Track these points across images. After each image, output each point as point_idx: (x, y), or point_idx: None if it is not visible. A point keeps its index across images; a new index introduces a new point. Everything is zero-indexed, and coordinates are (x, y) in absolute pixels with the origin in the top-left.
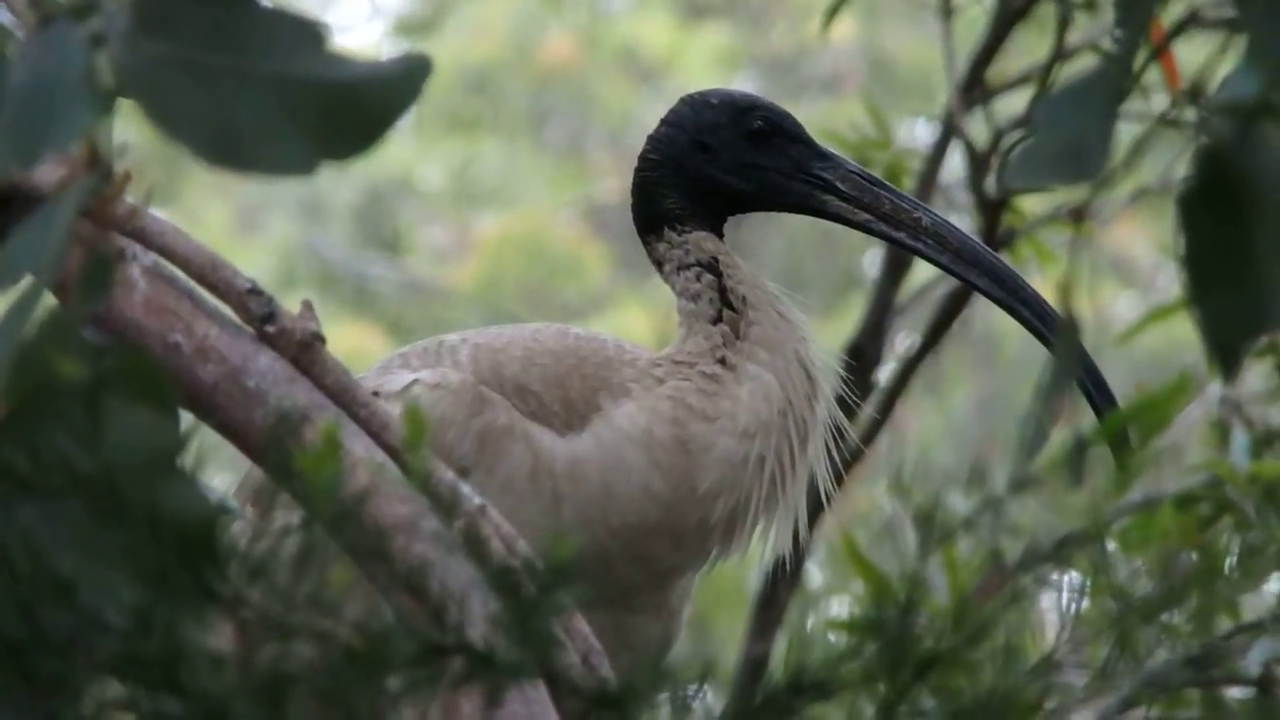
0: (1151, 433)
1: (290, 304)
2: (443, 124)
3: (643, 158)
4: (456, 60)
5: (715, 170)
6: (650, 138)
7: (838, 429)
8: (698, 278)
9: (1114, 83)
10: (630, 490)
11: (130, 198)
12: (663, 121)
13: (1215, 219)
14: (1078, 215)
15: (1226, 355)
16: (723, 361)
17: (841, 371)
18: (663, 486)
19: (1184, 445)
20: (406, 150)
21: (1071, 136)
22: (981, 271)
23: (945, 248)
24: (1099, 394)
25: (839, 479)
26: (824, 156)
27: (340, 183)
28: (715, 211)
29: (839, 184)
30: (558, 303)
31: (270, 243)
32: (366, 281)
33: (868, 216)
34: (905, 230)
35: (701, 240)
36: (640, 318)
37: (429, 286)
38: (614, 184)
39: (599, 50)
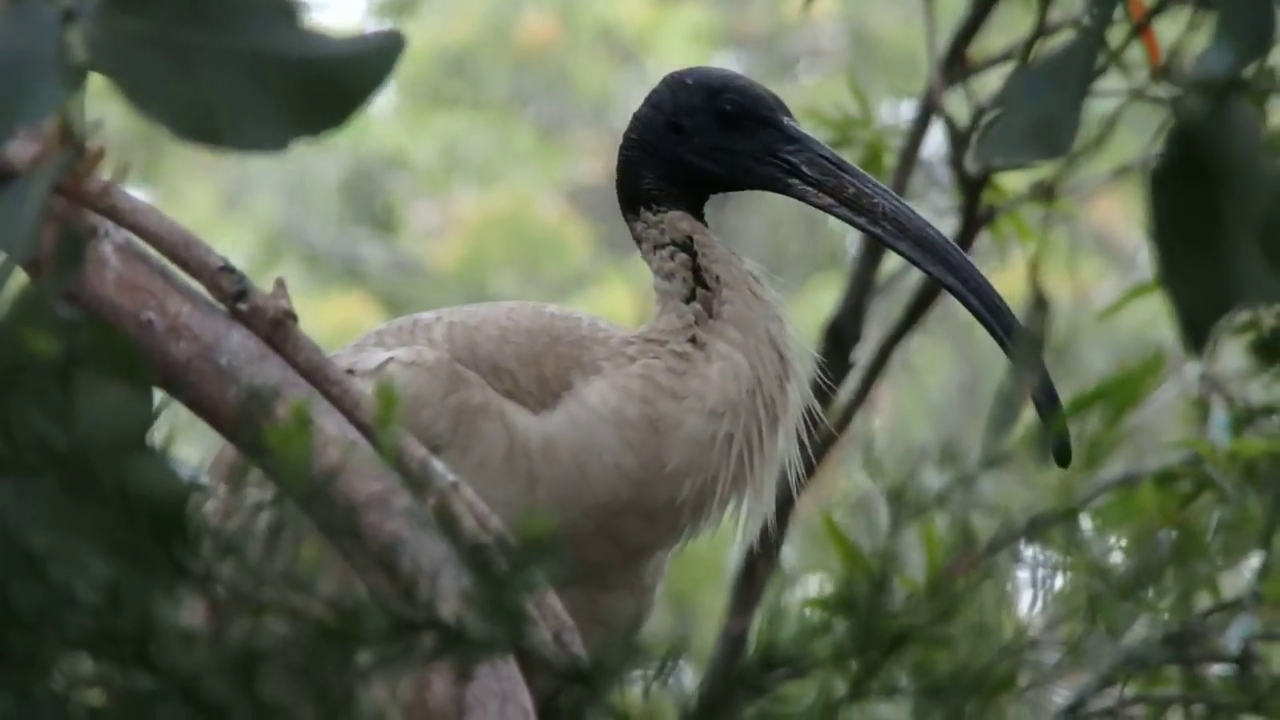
0: (1124, 409)
1: (270, 283)
2: (425, 103)
3: (625, 137)
4: (436, 41)
5: (687, 152)
6: (633, 116)
7: (809, 410)
8: (671, 256)
9: (1084, 61)
10: (602, 468)
11: (104, 174)
12: (645, 101)
13: (1186, 196)
14: (1048, 192)
15: (1196, 332)
16: (694, 340)
17: (815, 352)
18: (633, 465)
19: (1163, 423)
20: (390, 129)
21: (1042, 114)
22: (937, 259)
23: (904, 234)
24: (1044, 394)
25: (813, 458)
26: (792, 139)
27: (325, 160)
28: (692, 192)
29: (804, 168)
30: (541, 281)
31: (255, 221)
32: (351, 261)
33: (830, 200)
34: (866, 215)
35: (676, 220)
36: (623, 296)
37: (414, 265)
38: (595, 163)
39: (578, 30)
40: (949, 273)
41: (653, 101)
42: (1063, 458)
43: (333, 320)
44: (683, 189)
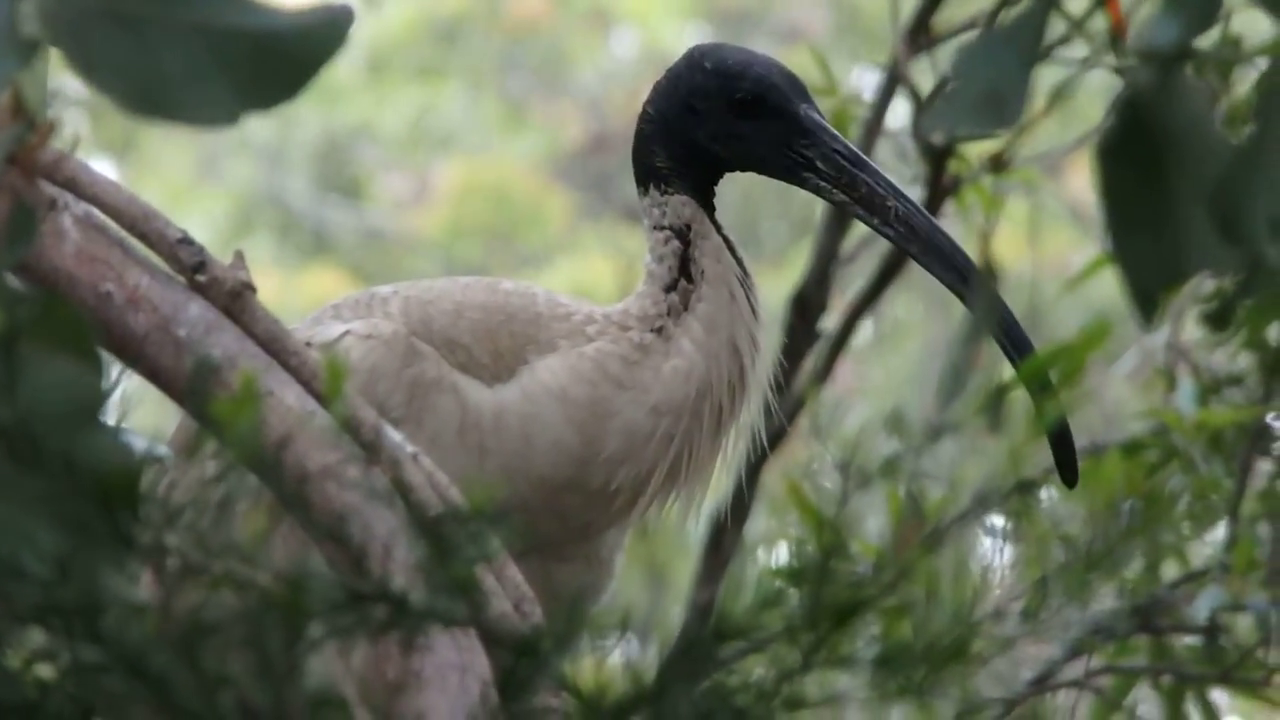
0: (1069, 379)
1: (252, 251)
2: (407, 71)
3: (643, 107)
4: (426, 13)
5: (700, 135)
6: (654, 86)
7: (760, 427)
8: (665, 241)
9: (1034, 31)
10: (546, 444)
11: (56, 147)
12: (666, 72)
13: (1134, 166)
14: (998, 162)
15: (1146, 302)
16: (660, 330)
17: (777, 368)
18: (574, 444)
19: (1129, 392)
20: (368, 97)
21: (990, 84)
22: (946, 266)
23: (914, 237)
24: (1015, 345)
25: (782, 426)
26: (806, 132)
27: (301, 128)
28: (702, 173)
29: (819, 163)
30: (520, 251)
31: (230, 190)
32: (327, 228)
33: (845, 198)
34: (879, 216)
35: (680, 205)
36: (601, 265)
37: (391, 234)
38: (575, 133)
39: (565, 3)
40: (958, 280)
41: (671, 76)
42: (1043, 395)
43: (310, 292)
44: (693, 169)
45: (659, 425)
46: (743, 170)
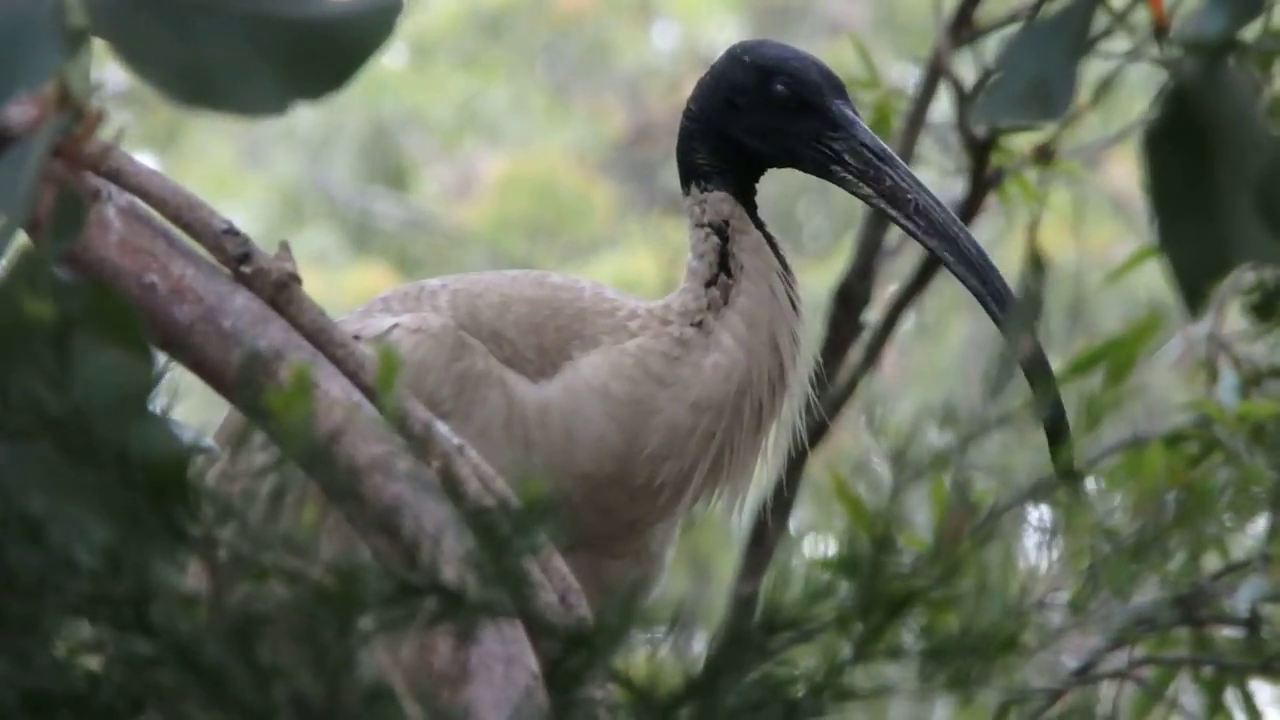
0: (1123, 370)
1: (295, 242)
2: (452, 62)
3: (686, 105)
4: (471, 4)
5: (738, 130)
6: (696, 85)
7: (801, 422)
8: (705, 238)
9: (1081, 22)
10: (588, 440)
11: (103, 137)
12: (709, 70)
13: (1180, 158)
14: (1046, 154)
15: (1193, 294)
16: (700, 324)
17: (818, 362)
18: (616, 440)
19: (1171, 384)
20: (413, 87)
21: (1037, 75)
22: (961, 260)
23: (933, 231)
24: (1038, 370)
25: (824, 419)
26: (837, 126)
27: (347, 118)
28: (743, 169)
29: (847, 156)
30: (565, 244)
31: (274, 180)
32: (372, 219)
33: (869, 191)
34: (901, 210)
35: (719, 201)
36: (646, 259)
37: (436, 225)
38: (618, 124)
39: None
40: (974, 275)
41: (715, 73)
42: (1057, 436)
43: (358, 285)
44: (734, 166)
45: (700, 422)
46: (778, 165)
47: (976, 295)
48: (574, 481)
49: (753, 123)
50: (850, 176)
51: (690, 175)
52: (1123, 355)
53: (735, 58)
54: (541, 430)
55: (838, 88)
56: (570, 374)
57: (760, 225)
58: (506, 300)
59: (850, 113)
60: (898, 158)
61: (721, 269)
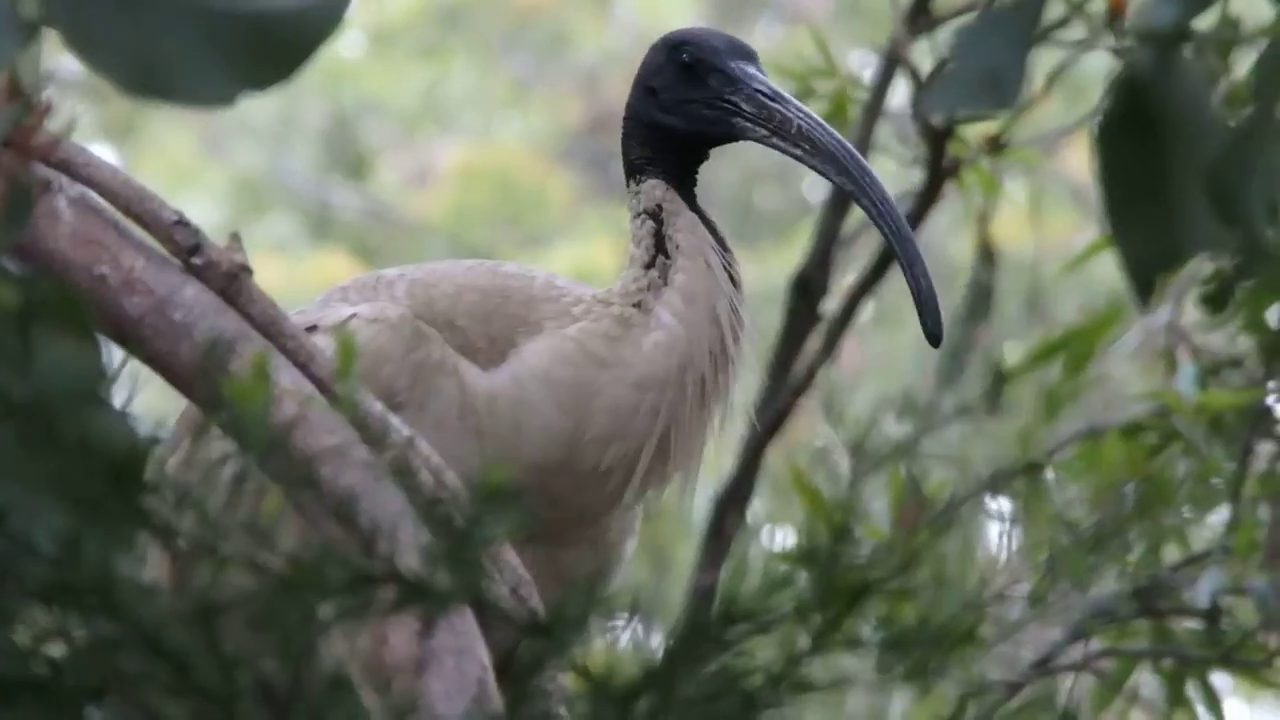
0: (1083, 361)
1: (255, 231)
2: (411, 51)
3: (625, 107)
4: None
5: (658, 113)
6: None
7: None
8: (642, 224)
9: (1032, 12)
10: (534, 427)
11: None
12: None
13: (1132, 148)
14: (995, 144)
15: (1144, 284)
16: (640, 305)
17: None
18: (561, 426)
19: (1129, 374)
20: (372, 75)
21: (988, 65)
22: (840, 171)
23: (815, 151)
24: (930, 318)
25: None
26: (735, 80)
27: (307, 108)
28: (673, 154)
29: (744, 104)
30: (523, 234)
31: (234, 169)
32: (331, 209)
33: (764, 132)
34: (788, 140)
35: (651, 188)
36: (605, 248)
37: (395, 214)
38: (576, 113)
39: None
40: (852, 183)
41: (640, 69)
42: (934, 336)
43: (317, 274)
44: (662, 154)
45: (643, 400)
46: (694, 139)
47: (859, 203)
48: (524, 470)
49: (667, 100)
50: (748, 124)
51: (630, 172)
52: (1082, 346)
53: (653, 46)
54: (490, 419)
55: (740, 51)
56: (515, 362)
57: (695, 206)
58: (460, 289)
59: (750, 68)
60: (790, 97)
61: (659, 251)
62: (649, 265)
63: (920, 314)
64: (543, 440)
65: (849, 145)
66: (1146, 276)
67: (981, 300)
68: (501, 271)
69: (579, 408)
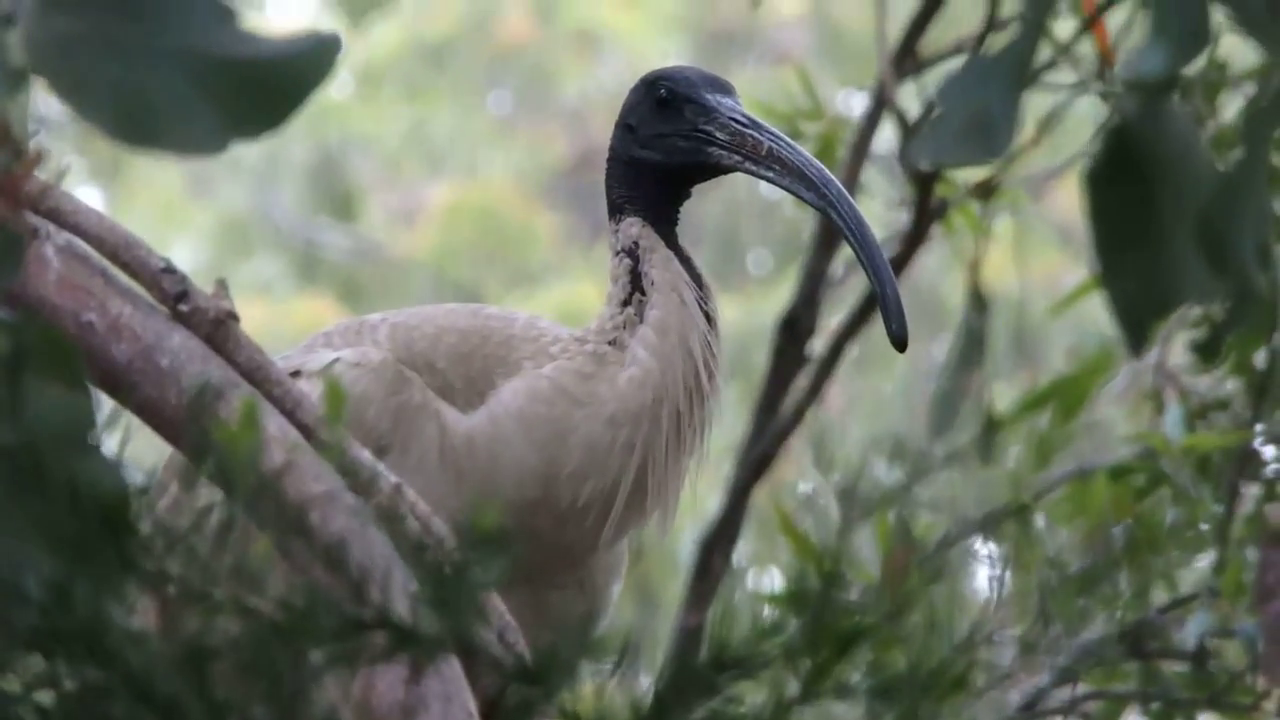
0: (1076, 407)
1: (241, 272)
2: (396, 92)
3: (609, 148)
4: (413, 35)
5: (636, 149)
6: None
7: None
8: (620, 262)
9: (1022, 59)
10: (511, 466)
11: (43, 176)
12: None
13: (1122, 194)
14: (987, 190)
15: (1136, 331)
16: (614, 343)
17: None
18: (537, 464)
19: (1116, 415)
20: (360, 116)
21: (978, 113)
22: (809, 188)
23: (785, 171)
24: (895, 320)
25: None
26: (709, 109)
27: (292, 147)
28: (653, 191)
29: (717, 133)
30: (510, 273)
31: (221, 209)
32: (317, 248)
33: (738, 158)
34: (760, 164)
35: (628, 226)
36: (590, 288)
37: (382, 254)
38: (561, 152)
39: (553, 24)
40: (822, 201)
41: (621, 108)
42: (900, 340)
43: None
44: (642, 191)
45: (618, 436)
46: (674, 171)
47: (828, 217)
48: (503, 510)
49: (644, 136)
50: (722, 150)
51: (611, 211)
52: (1074, 394)
53: (633, 87)
54: (469, 459)
55: (714, 83)
56: (493, 402)
57: (673, 243)
58: (440, 331)
59: (726, 99)
60: (765, 123)
61: (635, 288)
62: (625, 302)
63: (885, 319)
64: (519, 479)
65: (817, 163)
66: (1139, 324)
67: (974, 347)
68: (483, 313)
69: (553, 445)
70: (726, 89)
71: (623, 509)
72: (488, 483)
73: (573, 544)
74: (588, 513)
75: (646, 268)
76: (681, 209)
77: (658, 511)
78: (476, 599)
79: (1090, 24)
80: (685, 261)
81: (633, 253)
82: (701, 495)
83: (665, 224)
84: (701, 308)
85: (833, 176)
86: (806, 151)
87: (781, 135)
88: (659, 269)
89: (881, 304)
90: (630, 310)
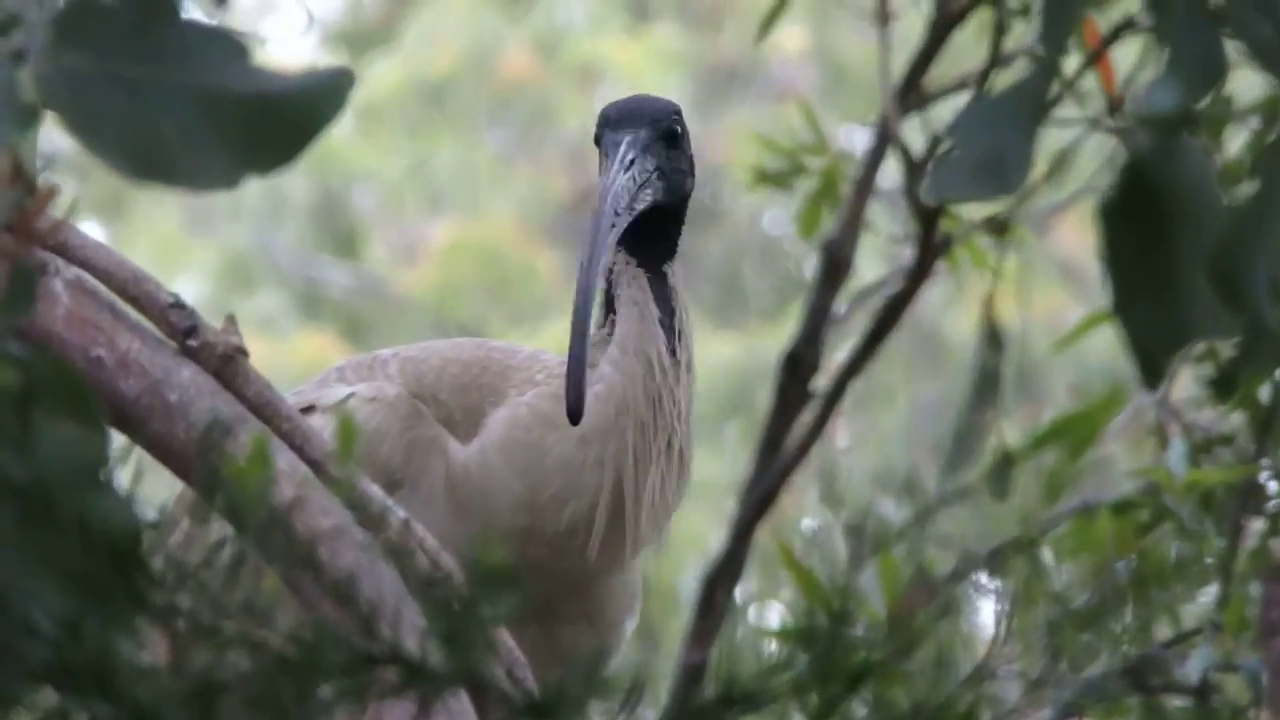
0: (1083, 445)
1: (243, 309)
2: (400, 128)
3: None
4: (414, 72)
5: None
6: None
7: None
8: (601, 291)
9: (1036, 96)
10: (500, 496)
11: (55, 212)
12: None
13: (1136, 230)
14: (1000, 226)
15: (1151, 366)
16: (593, 365)
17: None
18: (521, 491)
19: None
20: (361, 154)
21: (992, 149)
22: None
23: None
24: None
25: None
26: (604, 156)
27: (294, 183)
28: (635, 237)
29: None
30: (512, 309)
31: (222, 246)
32: (319, 286)
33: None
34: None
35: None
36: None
37: (384, 291)
38: (564, 190)
39: (555, 60)
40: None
41: None
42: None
43: (306, 352)
44: (629, 235)
45: (588, 454)
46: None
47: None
48: (503, 540)
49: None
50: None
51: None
52: (1083, 431)
53: None
54: (466, 490)
55: (608, 119)
56: (483, 432)
57: (653, 267)
58: (445, 363)
59: (618, 135)
60: (618, 159)
61: (610, 311)
62: (601, 325)
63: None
64: (509, 507)
65: (609, 195)
66: (1153, 359)
67: (988, 385)
68: (487, 346)
69: (534, 471)
70: (621, 121)
71: (604, 527)
72: (486, 513)
73: (569, 570)
74: (575, 536)
75: (617, 290)
76: (673, 237)
77: (647, 526)
78: (486, 634)
79: (1095, 59)
80: (659, 282)
81: (608, 278)
82: (703, 532)
83: (645, 249)
84: (671, 321)
85: (608, 205)
86: (612, 183)
87: (612, 176)
88: (625, 288)
89: (569, 369)
90: (604, 331)
